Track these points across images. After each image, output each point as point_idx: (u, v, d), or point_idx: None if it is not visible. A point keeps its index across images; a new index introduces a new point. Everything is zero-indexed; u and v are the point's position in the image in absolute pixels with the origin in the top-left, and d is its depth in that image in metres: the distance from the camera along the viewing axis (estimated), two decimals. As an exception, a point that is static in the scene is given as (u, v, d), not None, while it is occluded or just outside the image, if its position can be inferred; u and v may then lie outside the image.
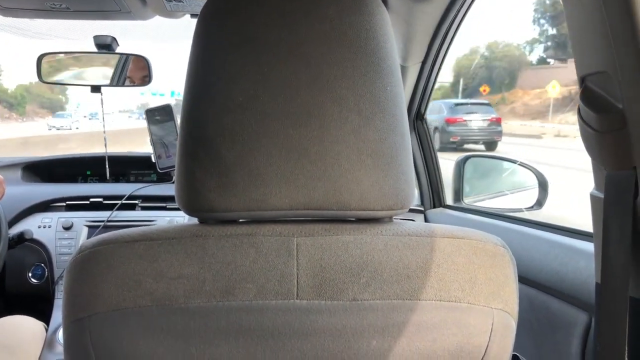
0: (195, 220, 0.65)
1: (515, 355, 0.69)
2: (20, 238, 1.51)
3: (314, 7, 0.61)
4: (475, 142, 13.22)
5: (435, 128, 12.84)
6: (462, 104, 14.59)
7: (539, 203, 1.64)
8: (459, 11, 1.18)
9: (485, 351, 0.63)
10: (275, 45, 0.60)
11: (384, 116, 0.61)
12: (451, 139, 12.64)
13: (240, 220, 0.64)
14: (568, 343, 0.96)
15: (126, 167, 2.03)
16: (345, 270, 0.60)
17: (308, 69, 0.59)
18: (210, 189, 0.60)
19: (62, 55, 1.55)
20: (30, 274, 1.62)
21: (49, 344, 1.39)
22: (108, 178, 1.73)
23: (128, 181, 2.05)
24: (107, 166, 1.69)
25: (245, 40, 0.60)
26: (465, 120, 13.01)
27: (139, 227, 0.65)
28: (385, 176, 0.61)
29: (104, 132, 1.63)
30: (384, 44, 0.63)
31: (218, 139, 0.60)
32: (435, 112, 13.12)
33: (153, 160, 1.82)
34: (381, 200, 0.61)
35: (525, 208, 1.64)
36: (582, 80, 0.67)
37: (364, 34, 0.61)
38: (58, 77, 1.55)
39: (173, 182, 1.90)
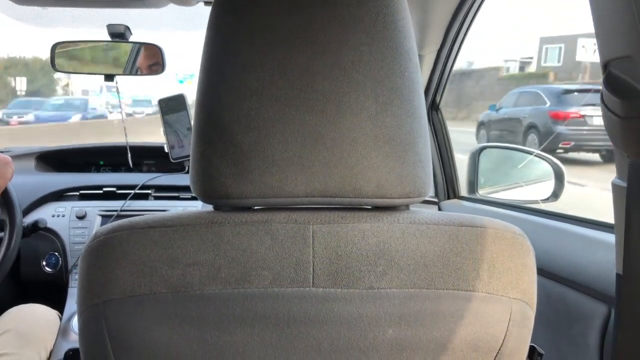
0: (210, 208, 0.65)
1: (532, 346, 0.68)
2: (35, 227, 1.52)
3: None
4: (598, 151, 8.30)
5: (530, 127, 8.91)
6: (575, 90, 9.35)
7: (555, 194, 1.61)
8: (476, -2, 1.16)
9: (503, 341, 0.62)
10: (292, 31, 0.59)
11: (401, 102, 0.60)
12: (560, 145, 8.19)
13: (256, 207, 0.63)
14: (586, 335, 0.94)
15: (139, 156, 2.04)
16: (361, 258, 0.60)
17: (325, 55, 0.59)
18: (225, 176, 0.60)
19: (75, 44, 1.55)
20: (44, 263, 1.63)
21: (63, 332, 1.40)
22: (131, 166, 1.74)
23: (141, 171, 2.06)
24: (129, 155, 1.70)
25: (260, 27, 0.60)
26: (582, 116, 8.17)
27: (154, 214, 0.65)
28: (403, 163, 0.60)
29: (123, 120, 1.63)
30: (402, 29, 0.61)
31: (234, 126, 0.59)
32: (528, 103, 9.45)
33: (166, 150, 1.82)
34: (398, 188, 0.60)
35: (541, 200, 1.62)
36: (606, 66, 0.66)
37: (381, 19, 0.60)
38: (71, 66, 1.55)
39: (186, 172, 1.91)
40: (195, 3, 1.35)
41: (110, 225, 0.63)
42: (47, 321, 1.31)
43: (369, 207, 0.64)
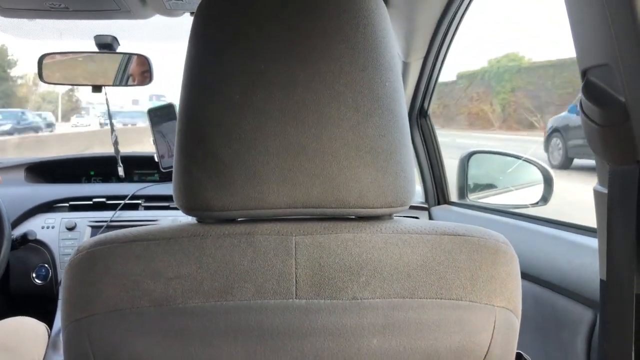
0: (193, 220, 0.65)
1: (519, 353, 0.68)
2: (24, 239, 1.52)
3: (311, 4, 0.60)
4: None
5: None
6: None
7: (544, 199, 1.62)
8: (460, 5, 1.17)
9: (488, 349, 0.62)
10: (272, 42, 0.59)
11: (382, 112, 0.60)
12: None
13: (239, 219, 0.63)
14: (573, 341, 0.94)
15: (129, 166, 2.03)
16: (344, 268, 0.60)
17: (305, 65, 0.59)
18: (207, 188, 0.59)
19: (62, 55, 1.54)
20: (34, 275, 1.62)
21: (53, 344, 1.40)
22: (123, 177, 1.73)
23: (132, 181, 2.05)
24: (119, 164, 1.69)
25: (242, 37, 0.60)
26: None
27: (137, 227, 0.65)
28: (385, 173, 0.60)
29: (112, 131, 1.63)
30: (382, 39, 0.62)
31: (215, 138, 0.59)
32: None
33: (156, 159, 1.81)
34: (380, 198, 0.60)
35: (530, 204, 1.63)
36: (584, 74, 0.66)
37: (361, 30, 0.60)
38: (59, 78, 1.55)
39: None
40: (181, 14, 1.35)
41: (93, 239, 0.63)
42: (35, 334, 1.30)
43: (352, 217, 0.64)
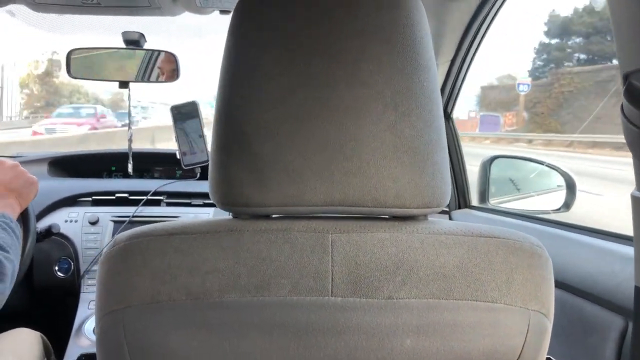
0: (225, 215, 0.65)
1: (549, 358, 0.68)
2: (48, 232, 1.53)
3: (351, 2, 0.60)
4: None
5: None
6: None
7: (567, 205, 1.60)
8: (491, 9, 1.16)
9: (521, 353, 0.62)
10: (313, 41, 0.60)
11: (420, 112, 0.60)
12: None
13: (274, 215, 0.64)
14: (602, 347, 0.93)
15: (150, 163, 2.05)
16: (380, 268, 0.60)
17: (345, 65, 0.59)
18: (245, 184, 0.60)
19: (90, 50, 1.56)
20: (56, 268, 1.63)
21: (75, 336, 1.41)
22: (131, 174, 1.74)
23: (152, 177, 2.07)
24: (130, 161, 1.70)
25: (281, 36, 0.60)
26: None
27: (172, 221, 0.65)
28: (422, 173, 0.60)
29: (129, 128, 1.64)
30: (421, 39, 0.62)
31: (254, 136, 0.59)
32: None
33: (178, 157, 1.82)
34: (417, 198, 0.60)
35: (553, 210, 1.61)
36: (626, 78, 0.66)
37: (401, 29, 0.61)
38: (86, 73, 1.57)
39: (198, 179, 1.91)
40: (211, 12, 1.36)
41: (129, 232, 0.64)
42: (30, 344, 1.27)
43: (387, 216, 0.64)
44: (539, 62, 21.50)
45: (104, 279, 0.62)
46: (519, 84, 18.45)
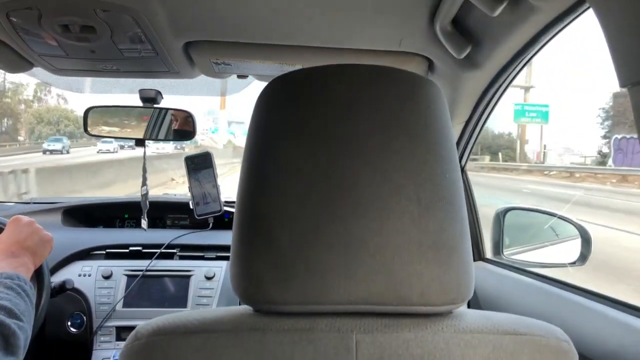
0: (249, 308, 0.65)
1: None
2: (62, 287, 1.53)
3: (374, 96, 0.61)
4: None
5: None
6: None
7: (583, 257, 1.59)
8: (507, 77, 1.17)
9: None
10: (335, 135, 0.60)
11: (443, 205, 0.60)
12: None
13: (297, 311, 0.63)
14: None
15: (162, 211, 2.06)
16: None
17: (368, 159, 0.59)
18: (268, 281, 0.60)
19: (107, 108, 1.58)
20: (69, 323, 1.62)
21: None
22: (145, 230, 1.74)
23: (164, 226, 2.07)
24: (144, 217, 1.71)
25: (304, 130, 0.60)
26: None
27: (194, 312, 0.65)
28: (447, 269, 0.60)
29: (144, 184, 1.64)
30: (442, 129, 0.62)
31: (277, 229, 0.59)
32: None
33: (191, 206, 1.83)
34: (442, 295, 0.60)
35: (569, 263, 1.60)
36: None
37: (422, 121, 0.61)
38: (104, 130, 1.58)
39: (210, 229, 1.91)
40: (227, 76, 1.38)
41: (150, 325, 0.64)
42: None
43: (413, 313, 0.63)
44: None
45: None
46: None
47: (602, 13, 0.63)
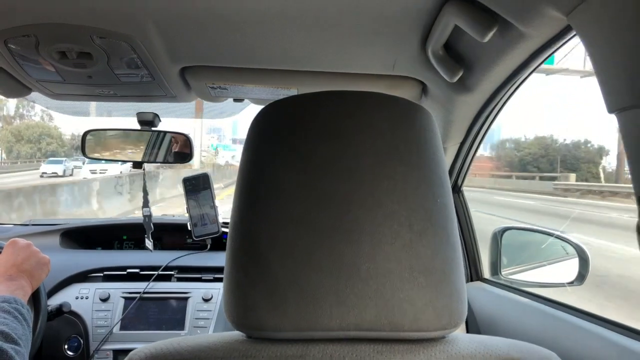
0: (241, 334, 0.65)
1: None
2: (59, 311, 1.53)
3: (365, 123, 0.61)
4: None
5: None
6: None
7: (581, 277, 1.59)
8: (501, 99, 1.18)
9: None
10: (328, 161, 0.60)
11: (435, 230, 0.60)
12: None
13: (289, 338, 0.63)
14: None
15: (160, 232, 2.06)
16: None
17: (361, 184, 0.59)
18: (260, 308, 0.60)
19: (105, 132, 1.59)
20: (66, 346, 1.62)
21: None
22: (152, 251, 1.75)
23: (163, 247, 2.07)
24: (149, 238, 1.71)
25: (297, 155, 0.61)
26: None
27: (187, 339, 0.65)
28: (439, 295, 0.60)
29: (145, 206, 1.65)
30: (434, 155, 0.63)
31: (270, 255, 0.59)
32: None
33: (189, 228, 1.83)
34: (434, 321, 0.60)
35: (567, 282, 1.60)
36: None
37: (414, 147, 0.61)
38: (101, 153, 1.59)
39: (208, 250, 1.91)
40: (224, 100, 1.39)
41: (143, 352, 0.64)
42: None
43: (405, 339, 0.63)
44: None
45: None
46: None
47: (588, 40, 0.64)
